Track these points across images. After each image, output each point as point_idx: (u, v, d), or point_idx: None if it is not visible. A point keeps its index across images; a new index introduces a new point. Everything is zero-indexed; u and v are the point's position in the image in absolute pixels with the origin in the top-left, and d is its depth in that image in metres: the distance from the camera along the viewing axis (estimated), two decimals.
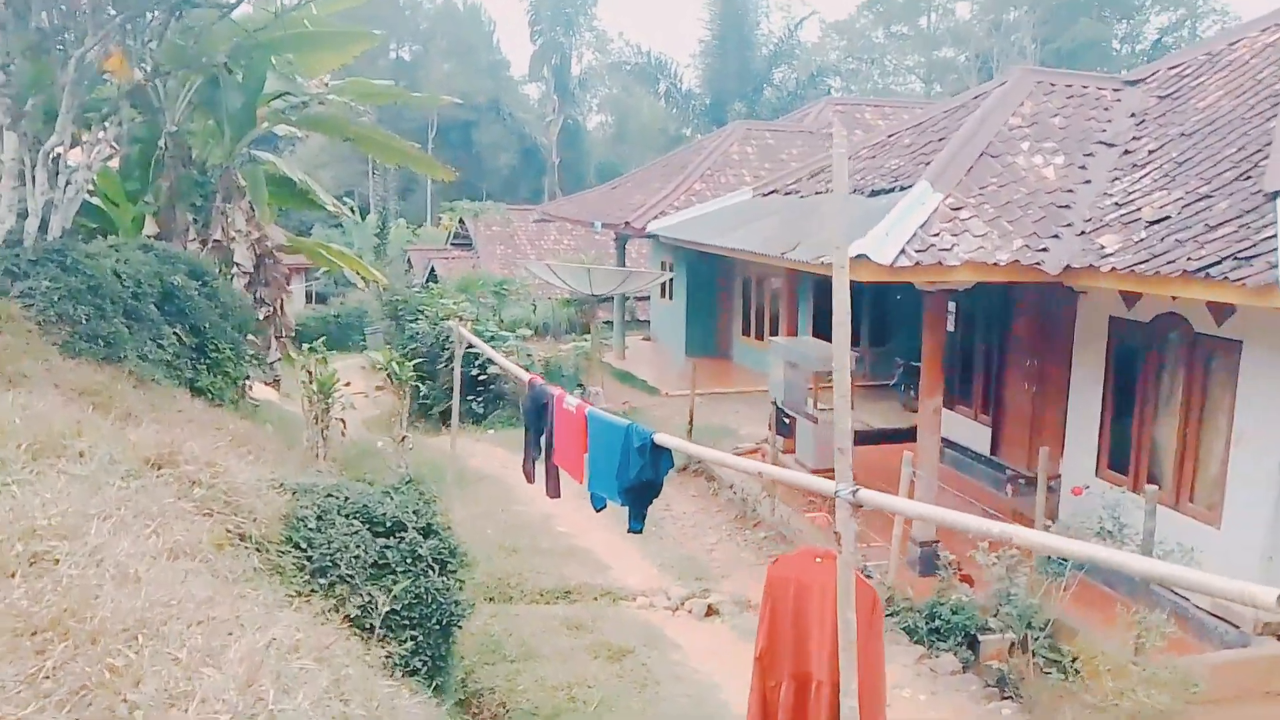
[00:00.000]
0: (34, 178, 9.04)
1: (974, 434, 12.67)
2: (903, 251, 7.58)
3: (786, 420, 10.88)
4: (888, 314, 18.34)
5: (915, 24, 65.09)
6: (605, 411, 5.50)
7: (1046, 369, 11.14)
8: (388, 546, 5.29)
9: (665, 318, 23.00)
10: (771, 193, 12.06)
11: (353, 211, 21.91)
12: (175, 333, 10.83)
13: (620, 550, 9.80)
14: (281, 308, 15.38)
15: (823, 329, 17.30)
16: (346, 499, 5.44)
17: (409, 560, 5.31)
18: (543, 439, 6.45)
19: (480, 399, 17.44)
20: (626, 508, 5.10)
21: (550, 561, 9.42)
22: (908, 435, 14.12)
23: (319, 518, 5.19)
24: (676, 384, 18.81)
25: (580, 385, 17.91)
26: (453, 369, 18.47)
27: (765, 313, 19.98)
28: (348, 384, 27.32)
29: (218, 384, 11.50)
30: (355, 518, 5.33)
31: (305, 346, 8.33)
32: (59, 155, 9.16)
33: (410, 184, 60.63)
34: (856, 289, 12.14)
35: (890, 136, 11.34)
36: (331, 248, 15.58)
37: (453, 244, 35.02)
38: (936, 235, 7.91)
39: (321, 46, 13.44)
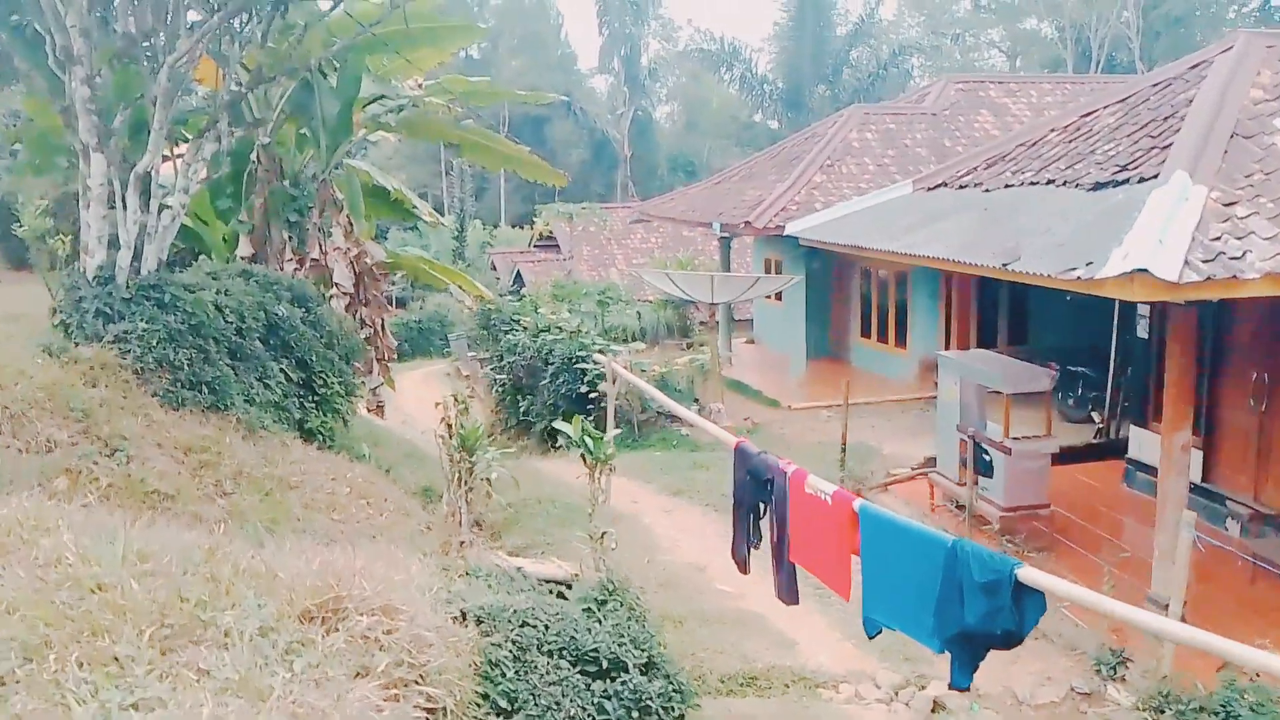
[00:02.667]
0: (125, 203, 7.96)
1: None
2: (1186, 263, 6.04)
3: (986, 457, 9.34)
4: (1025, 307, 16.63)
5: None
6: (883, 510, 4.11)
7: None
8: (606, 695, 3.99)
9: (773, 319, 21.51)
10: (939, 186, 10.53)
11: (462, 222, 20.89)
12: (282, 369, 9.75)
13: (800, 617, 8.39)
14: (383, 327, 14.33)
15: (988, 338, 15.66)
16: (546, 627, 4.14)
17: (633, 713, 4.00)
18: (764, 521, 5.09)
19: (591, 417, 16.13)
20: (946, 654, 3.69)
21: (723, 634, 8.07)
22: (1086, 454, 12.53)
23: (517, 658, 3.92)
24: (798, 395, 17.34)
25: (696, 401, 16.54)
26: (556, 383, 17.47)
27: (890, 313, 18.39)
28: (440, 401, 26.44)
29: (328, 423, 10.39)
30: (561, 655, 4.04)
31: (454, 394, 7.06)
32: (151, 177, 8.07)
33: (483, 183, 59.86)
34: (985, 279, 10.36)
35: (1086, 116, 9.72)
36: (436, 264, 14.50)
37: (536, 246, 33.93)
38: (1218, 240, 6.36)
39: (421, 43, 12.24)
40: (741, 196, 17.80)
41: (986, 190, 9.44)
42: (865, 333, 19.15)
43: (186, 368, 8.12)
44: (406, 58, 12.76)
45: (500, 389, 20.52)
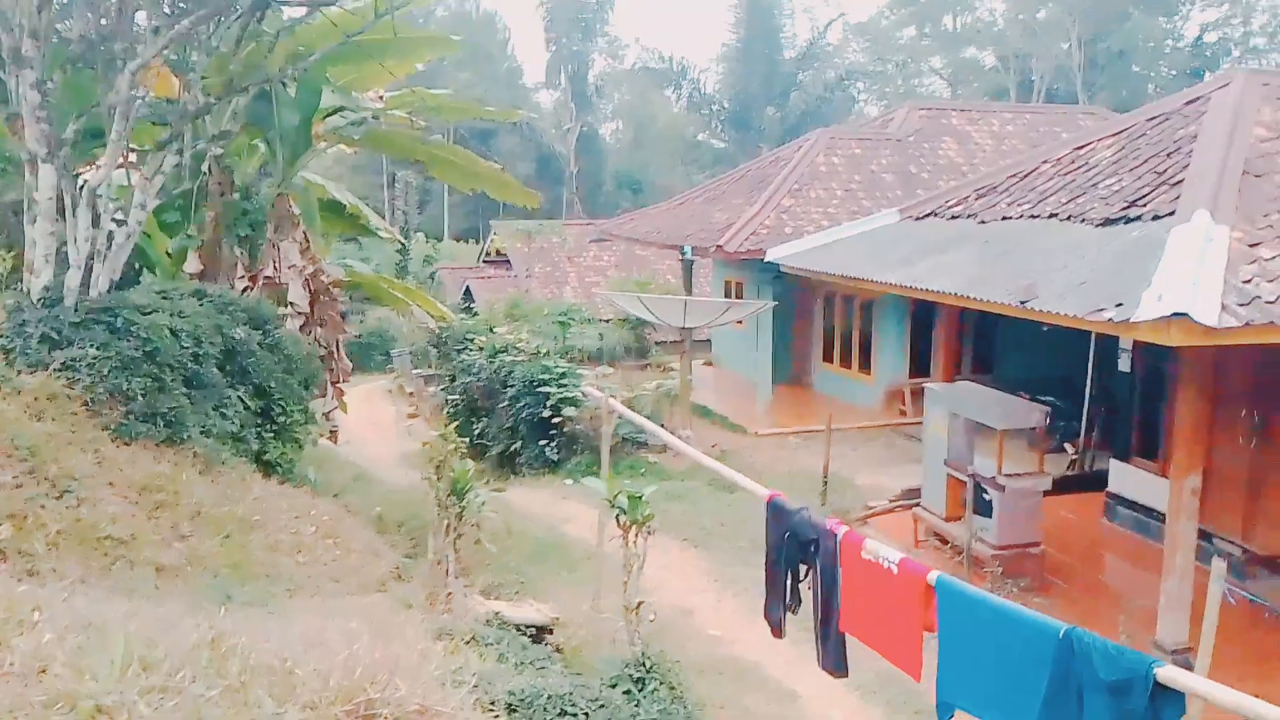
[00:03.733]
0: (76, 219, 7.29)
1: (1160, 493, 10.82)
2: (1224, 308, 5.81)
3: (986, 496, 9.07)
4: (991, 336, 16.58)
5: (939, 25, 63.38)
6: (969, 586, 3.72)
7: (1274, 423, 9.36)
8: None
9: (732, 342, 21.22)
10: (928, 215, 10.30)
11: (405, 235, 20.20)
12: (240, 397, 9.09)
13: (797, 664, 8.00)
14: (338, 349, 13.65)
15: (985, 368, 15.48)
16: (587, 715, 3.67)
17: None
18: (804, 584, 4.68)
19: (554, 443, 15.64)
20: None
21: (721, 687, 7.63)
22: (1063, 487, 12.38)
23: None
24: (764, 420, 17.03)
25: (662, 426, 16.08)
26: (516, 406, 16.87)
27: (854, 338, 18.22)
28: (411, 415, 25.46)
29: (287, 454, 9.76)
30: None
31: (441, 435, 6.53)
32: (102, 192, 7.41)
33: (425, 195, 58.91)
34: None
35: (1080, 149, 9.56)
36: (396, 283, 13.88)
37: (485, 262, 33.25)
38: (1249, 283, 6.15)
39: (387, 54, 11.64)
40: (709, 219, 17.49)
41: (982, 222, 9.21)
42: (828, 358, 18.96)
43: (140, 398, 7.45)
44: (389, 69, 12.19)
45: (453, 410, 19.88)
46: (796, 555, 4.68)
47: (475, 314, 26.13)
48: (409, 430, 25.64)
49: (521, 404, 16.26)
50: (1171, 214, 7.07)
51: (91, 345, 7.24)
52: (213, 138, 8.79)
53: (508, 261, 31.43)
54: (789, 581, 4.78)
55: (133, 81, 6.79)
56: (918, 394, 17.50)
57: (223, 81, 7.48)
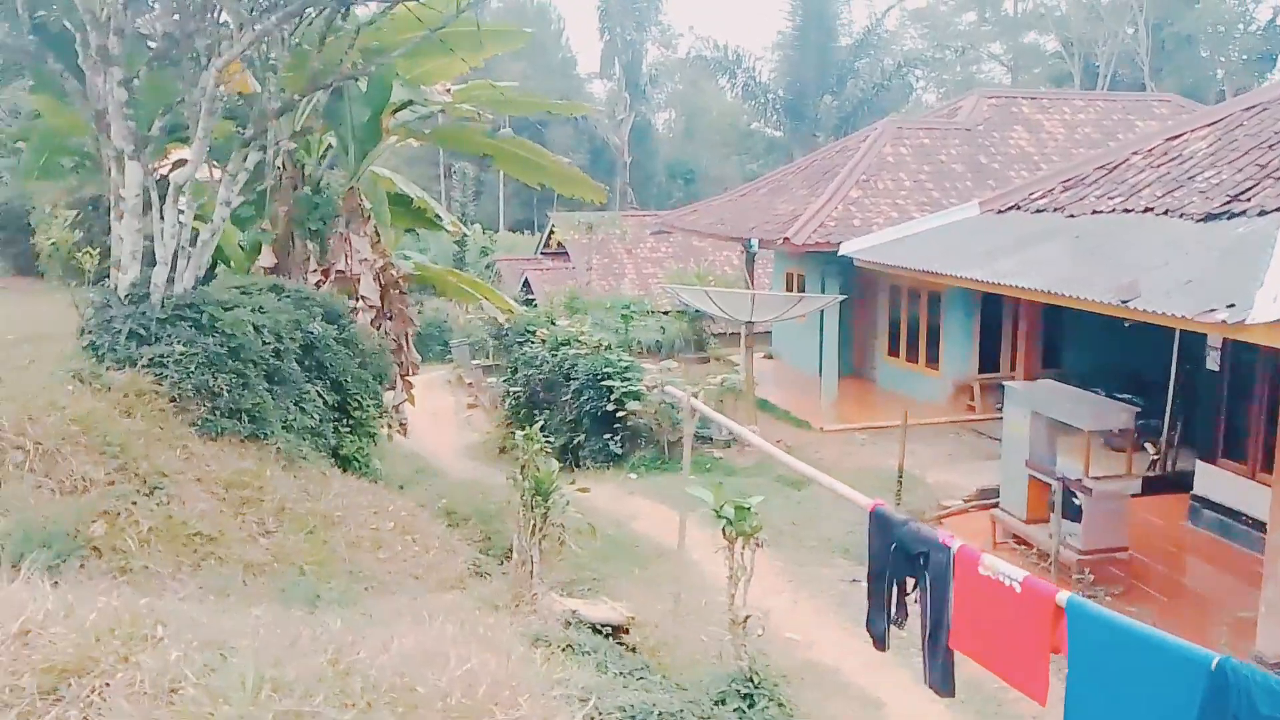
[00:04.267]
0: (162, 216, 7.35)
1: (1249, 497, 10.49)
2: None
3: (1077, 502, 8.81)
4: (1058, 329, 16.17)
5: (999, 9, 62.11)
6: (1105, 610, 3.54)
7: None
8: None
9: (792, 334, 20.96)
10: (1011, 208, 10.01)
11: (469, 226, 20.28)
12: (318, 392, 9.13)
13: (879, 669, 7.85)
14: (407, 342, 13.71)
15: (1052, 363, 15.13)
16: None
17: None
18: (910, 597, 4.53)
19: (617, 437, 15.57)
20: None
21: (804, 694, 7.49)
22: (1146, 489, 12.01)
23: None
24: (828, 415, 16.79)
25: (730, 432, 15.86)
26: (580, 400, 16.81)
27: (920, 332, 17.89)
28: (471, 406, 25.57)
29: (363, 449, 9.80)
30: None
31: (523, 434, 6.47)
32: (187, 189, 7.45)
33: (480, 186, 59.25)
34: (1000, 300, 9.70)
35: (1173, 140, 9.22)
36: (464, 276, 13.88)
37: (543, 253, 33.29)
38: None
39: (459, 48, 11.57)
40: (773, 210, 17.26)
41: (1071, 216, 8.92)
42: (893, 351, 18.65)
43: (225, 394, 7.51)
44: (438, 63, 12.15)
45: (514, 402, 19.94)
46: (903, 568, 4.53)
47: (533, 305, 26.19)
48: (468, 420, 25.82)
49: (585, 397, 16.22)
50: (1275, 210, 6.76)
51: (178, 342, 7.30)
52: (293, 134, 8.80)
53: (565, 253, 31.43)
54: (894, 594, 4.63)
55: (217, 78, 6.81)
56: (987, 389, 17.18)
57: (305, 78, 7.48)
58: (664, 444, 15.07)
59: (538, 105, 13.65)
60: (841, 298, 15.71)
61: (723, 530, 5.00)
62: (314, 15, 7.14)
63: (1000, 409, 16.97)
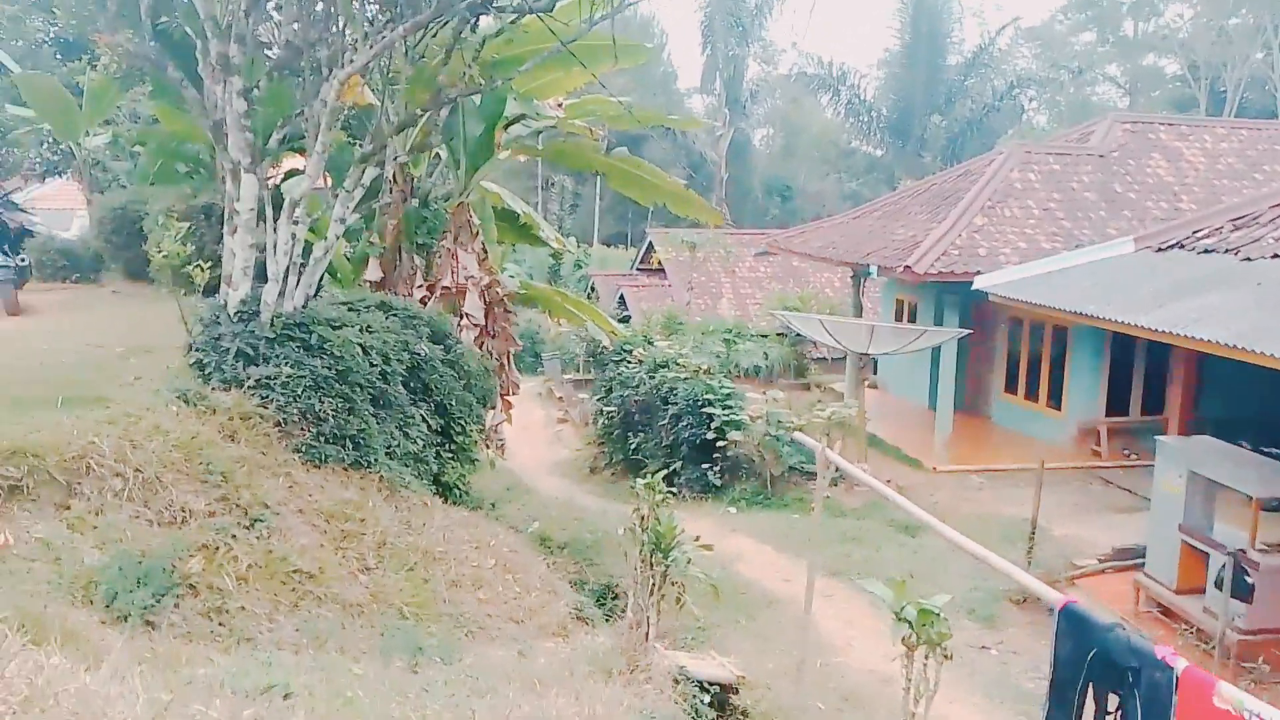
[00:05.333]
0: (276, 231, 7.06)
1: None
2: None
3: (1249, 579, 7.89)
4: (1197, 373, 14.98)
5: (1118, 30, 59.73)
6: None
7: None
8: None
9: (900, 364, 20.04)
10: (1172, 246, 9.13)
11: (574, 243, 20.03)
12: (422, 416, 8.76)
13: None
14: (509, 362, 13.37)
15: (1154, 406, 14.06)
16: None
17: None
18: (1110, 718, 3.83)
19: (716, 467, 14.96)
20: None
21: None
22: None
23: None
24: (941, 454, 15.90)
25: (836, 470, 15.02)
26: (678, 425, 16.25)
27: (1042, 369, 16.86)
28: (561, 420, 25.29)
29: (465, 476, 9.42)
30: None
31: (647, 485, 5.93)
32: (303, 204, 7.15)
33: (577, 199, 59.39)
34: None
35: None
36: (569, 297, 13.47)
37: (638, 269, 32.91)
38: None
39: (577, 62, 11.16)
40: (891, 236, 16.48)
41: (1248, 259, 8.03)
42: (1011, 388, 17.63)
43: (331, 419, 7.18)
44: (577, 75, 11.77)
45: (607, 422, 19.50)
46: (1104, 682, 3.84)
47: (628, 322, 25.78)
48: (558, 435, 25.50)
49: (683, 423, 15.67)
50: None
51: (286, 363, 7.00)
52: (411, 149, 8.49)
53: (661, 269, 30.97)
54: (1087, 707, 3.94)
55: (339, 90, 6.48)
56: (1115, 433, 16.07)
57: (428, 92, 7.13)
58: (767, 477, 14.40)
59: (652, 119, 13.20)
60: (966, 332, 14.84)
61: (903, 639, 4.33)
62: (437, 27, 6.77)
63: (1129, 455, 15.93)
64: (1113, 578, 10.64)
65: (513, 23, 7.11)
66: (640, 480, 6.00)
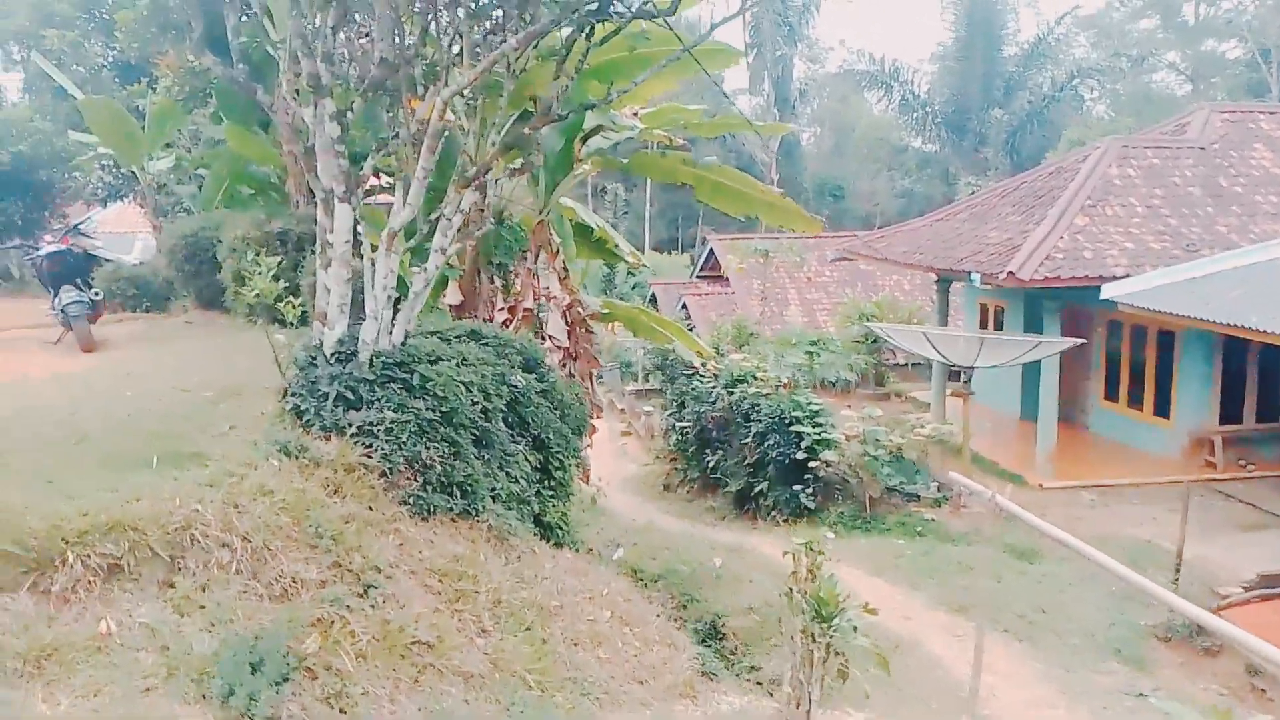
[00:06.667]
0: (375, 265, 6.51)
1: None
2: None
3: None
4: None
5: (1177, 15, 57.90)
6: None
7: None
8: None
9: (987, 371, 19.12)
10: None
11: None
12: (523, 453, 8.17)
13: None
14: (592, 384, 12.78)
15: (1267, 414, 13.11)
16: None
17: None
18: None
19: (809, 488, 14.22)
20: None
21: None
22: None
23: None
24: (1046, 470, 15.04)
25: (934, 482, 14.22)
26: (763, 444, 15.49)
27: (1146, 375, 15.92)
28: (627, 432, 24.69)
29: (566, 515, 8.82)
30: None
31: (806, 545, 5.27)
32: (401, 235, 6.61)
33: (627, 205, 58.89)
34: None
35: None
36: (653, 314, 12.84)
37: (698, 276, 32.22)
38: None
39: (665, 68, 10.50)
40: (983, 239, 15.64)
41: None
42: (1111, 396, 16.71)
43: (438, 466, 6.61)
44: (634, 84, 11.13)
45: (679, 438, 18.88)
46: None
47: (693, 332, 25.13)
48: (623, 450, 24.90)
49: (769, 442, 14.96)
50: None
51: (388, 406, 6.44)
52: (513, 171, 7.93)
53: (720, 275, 30.25)
54: None
55: (443, 110, 5.91)
56: (1230, 443, 15.09)
57: (541, 109, 6.55)
58: (864, 499, 13.63)
59: (734, 126, 12.55)
60: (1081, 341, 13.97)
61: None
62: (545, 37, 6.17)
63: (1247, 466, 14.92)
64: (1263, 608, 9.79)
65: (616, 31, 6.50)
66: (797, 540, 5.35)
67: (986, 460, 15.59)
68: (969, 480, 7.06)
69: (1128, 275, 12.77)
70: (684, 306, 28.46)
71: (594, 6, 5.58)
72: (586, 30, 5.96)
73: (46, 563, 4.43)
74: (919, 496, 13.54)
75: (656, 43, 9.58)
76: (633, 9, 5.98)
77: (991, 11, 49.90)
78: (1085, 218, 14.59)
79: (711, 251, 31.00)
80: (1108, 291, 10.76)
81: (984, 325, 18.88)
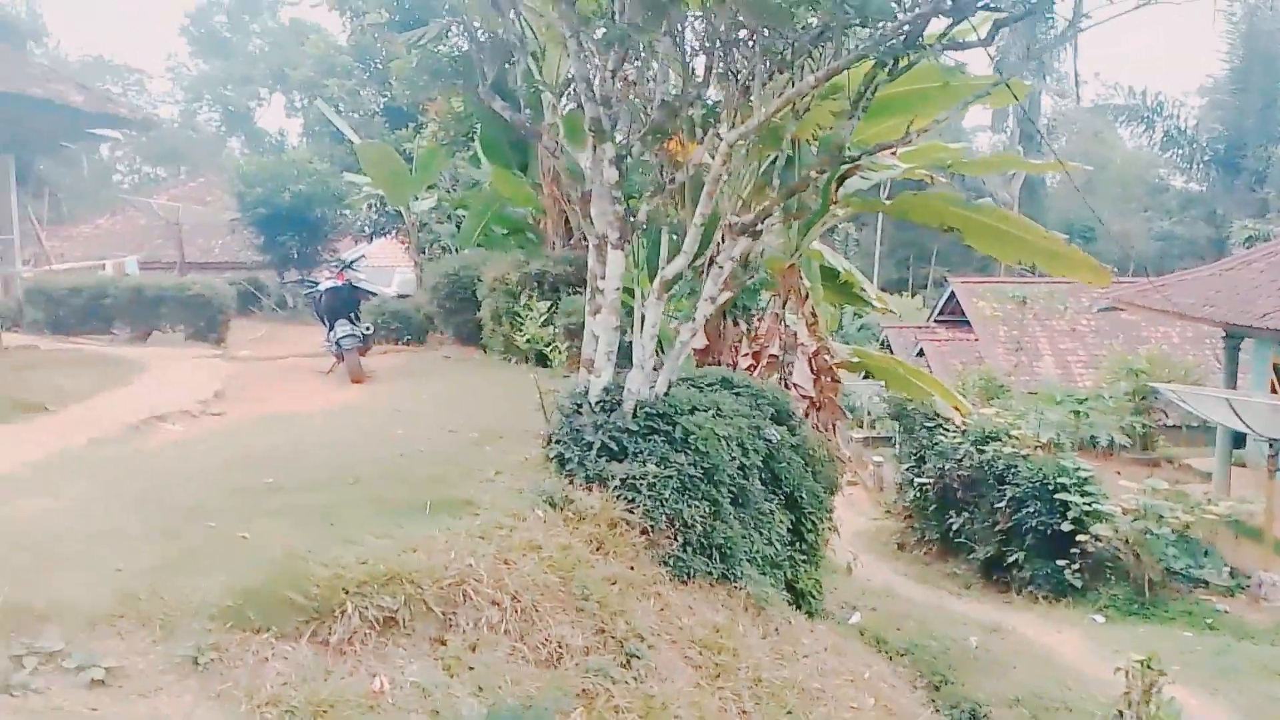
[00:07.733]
0: (645, 311, 6.30)
1: None
2: None
3: None
4: None
5: None
6: None
7: None
8: None
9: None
10: None
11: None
12: (774, 511, 7.72)
13: None
14: (836, 435, 12.15)
15: None
16: None
17: None
18: None
19: (1075, 564, 12.86)
20: None
21: None
22: None
23: None
24: None
25: (1228, 568, 12.45)
26: (1021, 511, 14.16)
27: None
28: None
29: (819, 583, 8.27)
30: None
31: (1144, 662, 4.53)
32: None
33: (856, 244, 57.49)
34: None
35: None
36: (909, 367, 12.07)
37: (936, 321, 30.71)
38: None
39: (929, 101, 9.81)
40: None
41: None
42: None
43: (698, 526, 6.27)
44: (890, 120, 10.53)
45: (918, 494, 17.76)
46: None
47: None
48: (850, 500, 23.83)
49: (1027, 509, 13.71)
50: None
51: (651, 459, 6.18)
52: (787, 216, 7.58)
53: (961, 320, 28.64)
54: None
55: (728, 154, 5.62)
56: None
57: (830, 150, 6.17)
58: (1143, 581, 12.14)
59: (1005, 164, 11.66)
60: None
61: None
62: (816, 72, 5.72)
63: None
64: None
65: (910, 65, 6.00)
66: (1134, 657, 4.57)
67: None
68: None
69: None
70: (921, 353, 27.12)
71: (902, 37, 5.12)
72: (890, 65, 5.50)
73: (327, 613, 4.39)
74: (1208, 583, 11.94)
75: (917, 78, 8.99)
76: (944, 41, 5.46)
77: (1273, 41, 45.23)
78: None
79: (952, 294, 29.45)
80: None
81: (1276, 388, 16.66)
